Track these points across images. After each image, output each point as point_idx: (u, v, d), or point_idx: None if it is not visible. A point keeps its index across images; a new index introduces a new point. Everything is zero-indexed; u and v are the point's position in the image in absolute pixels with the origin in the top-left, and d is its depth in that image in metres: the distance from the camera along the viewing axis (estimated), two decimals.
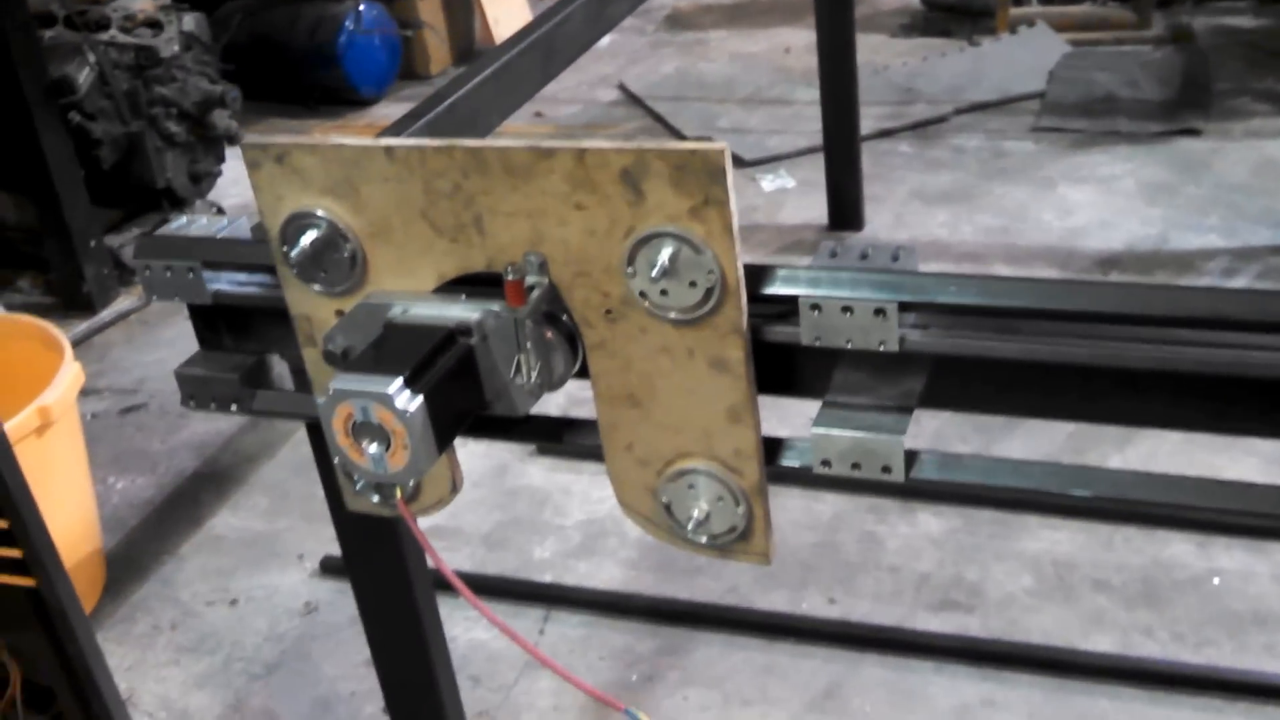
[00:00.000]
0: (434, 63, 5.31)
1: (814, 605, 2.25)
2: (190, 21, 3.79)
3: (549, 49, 1.97)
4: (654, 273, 0.99)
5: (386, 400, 0.97)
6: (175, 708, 2.20)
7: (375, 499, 1.19)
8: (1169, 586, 2.21)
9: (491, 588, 2.32)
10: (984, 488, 1.15)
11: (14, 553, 1.34)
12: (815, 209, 3.62)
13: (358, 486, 1.19)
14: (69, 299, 3.62)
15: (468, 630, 2.24)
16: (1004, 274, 3.25)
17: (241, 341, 1.35)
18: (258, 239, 1.32)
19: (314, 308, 1.14)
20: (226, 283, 1.29)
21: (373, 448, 0.99)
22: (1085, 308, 1.02)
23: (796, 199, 3.79)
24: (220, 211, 3.97)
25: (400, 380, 0.98)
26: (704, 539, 1.11)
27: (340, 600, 2.38)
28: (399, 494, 1.09)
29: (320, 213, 1.09)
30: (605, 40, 2.34)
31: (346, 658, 2.24)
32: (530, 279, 1.03)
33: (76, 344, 3.31)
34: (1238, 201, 3.48)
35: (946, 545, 2.36)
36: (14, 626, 1.38)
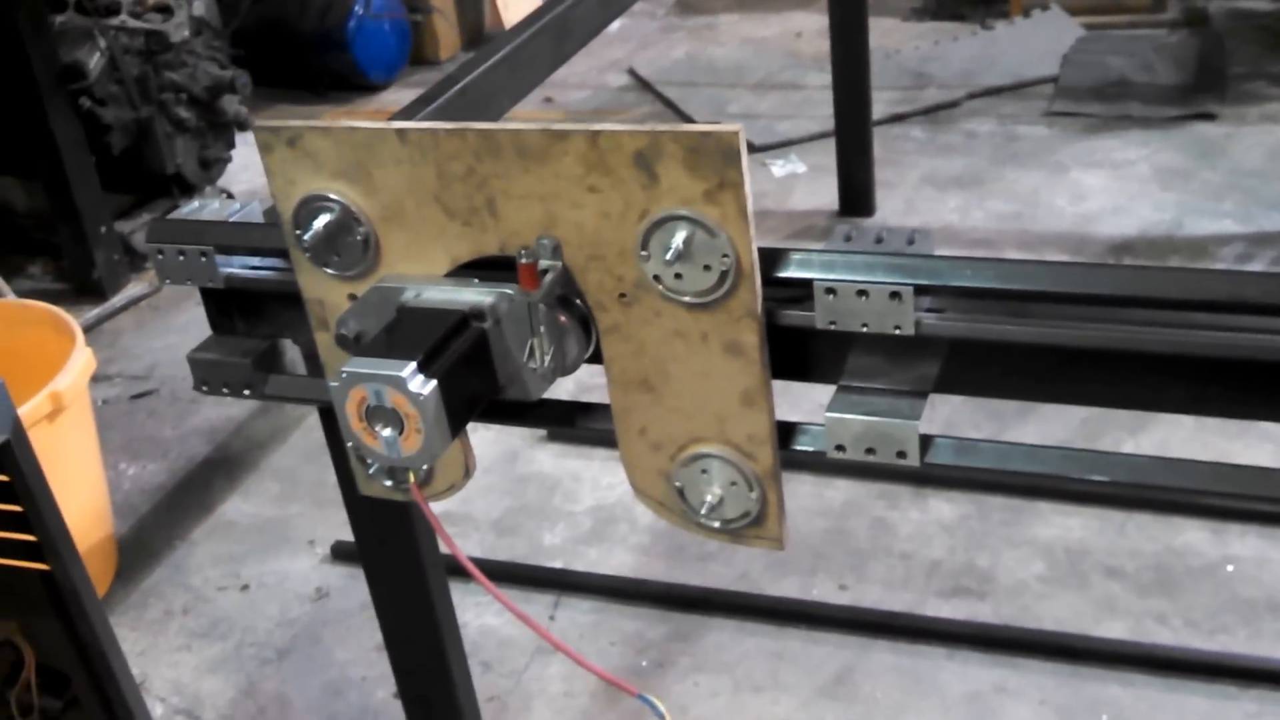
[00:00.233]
0: (444, 48, 5.29)
1: (825, 591, 2.24)
2: (200, 6, 3.78)
3: (561, 32, 1.96)
4: (668, 256, 0.98)
5: (400, 384, 0.97)
6: (187, 692, 2.21)
7: (388, 483, 1.18)
8: (1182, 573, 2.20)
9: (502, 573, 2.32)
10: (1000, 473, 1.14)
11: (28, 537, 1.34)
12: (826, 194, 3.61)
13: (371, 471, 1.19)
14: (80, 285, 3.63)
15: (478, 616, 2.24)
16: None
17: (254, 326, 1.35)
18: (270, 223, 1.32)
19: (327, 292, 1.14)
20: (239, 266, 1.29)
21: (386, 432, 0.99)
22: (1103, 291, 1.01)
23: (807, 184, 3.77)
24: (230, 197, 3.96)
25: (414, 364, 0.98)
26: (717, 524, 1.11)
27: (351, 585, 2.38)
28: (413, 478, 1.09)
29: (333, 196, 1.08)
30: (615, 25, 2.33)
31: (358, 643, 2.25)
32: (543, 263, 1.02)
33: (88, 330, 3.32)
34: (1253, 187, 3.45)
35: (958, 531, 2.35)
36: (28, 611, 1.38)
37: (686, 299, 1.01)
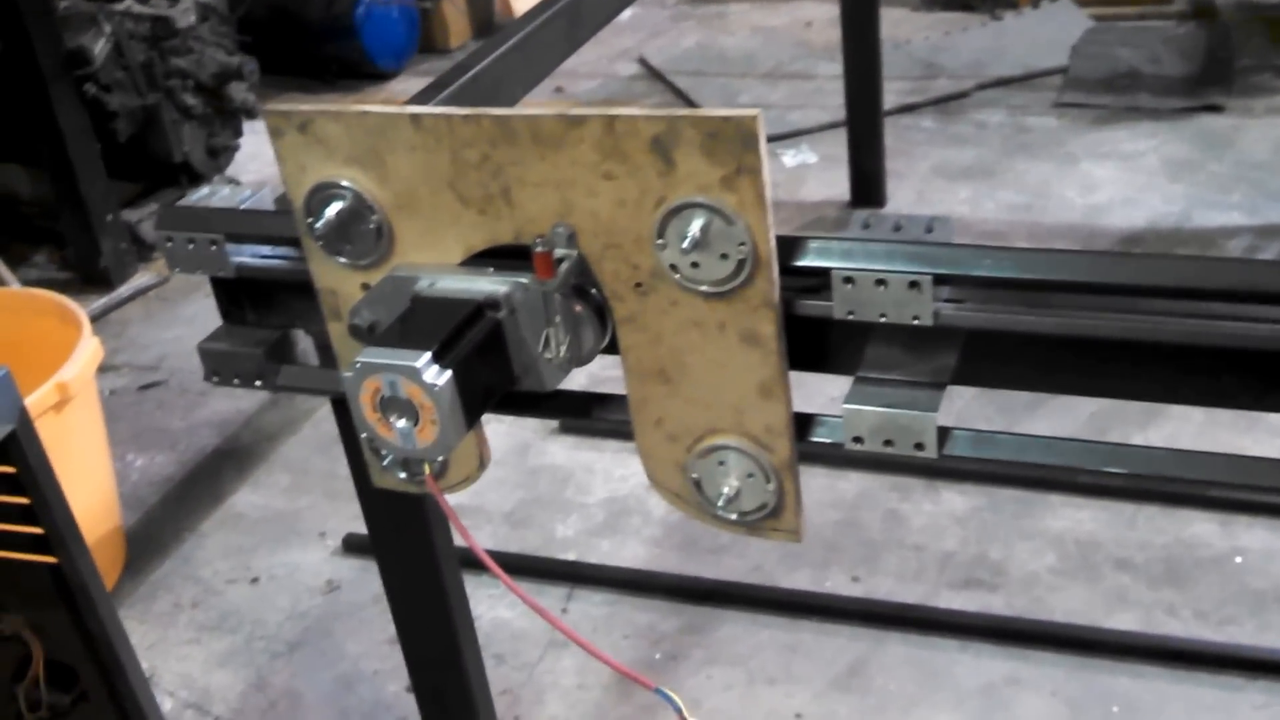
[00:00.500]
0: (453, 35, 5.27)
1: (838, 584, 2.23)
2: None
3: (573, 19, 1.94)
4: (685, 244, 0.97)
5: (414, 374, 0.96)
6: (197, 686, 2.20)
7: (402, 475, 1.17)
8: (1191, 565, 2.19)
9: (515, 566, 2.31)
10: (1017, 465, 1.13)
11: (35, 530, 1.33)
12: (837, 185, 3.59)
13: (385, 463, 1.18)
14: (86, 274, 3.61)
15: (491, 608, 2.23)
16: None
17: (265, 316, 1.34)
18: (281, 211, 1.31)
19: (339, 281, 1.13)
20: (250, 255, 1.28)
21: (401, 423, 0.98)
22: (1123, 281, 1.00)
23: (818, 174, 3.75)
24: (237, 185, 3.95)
25: (428, 354, 0.96)
26: (734, 516, 1.10)
27: (363, 578, 2.37)
28: (428, 470, 1.08)
29: (345, 183, 1.07)
30: (626, 14, 2.32)
31: (370, 636, 2.24)
32: (559, 251, 1.01)
33: (94, 320, 3.30)
34: (1260, 179, 3.43)
35: (970, 524, 2.34)
36: (36, 604, 1.37)
37: (703, 288, 1.00)
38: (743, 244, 0.96)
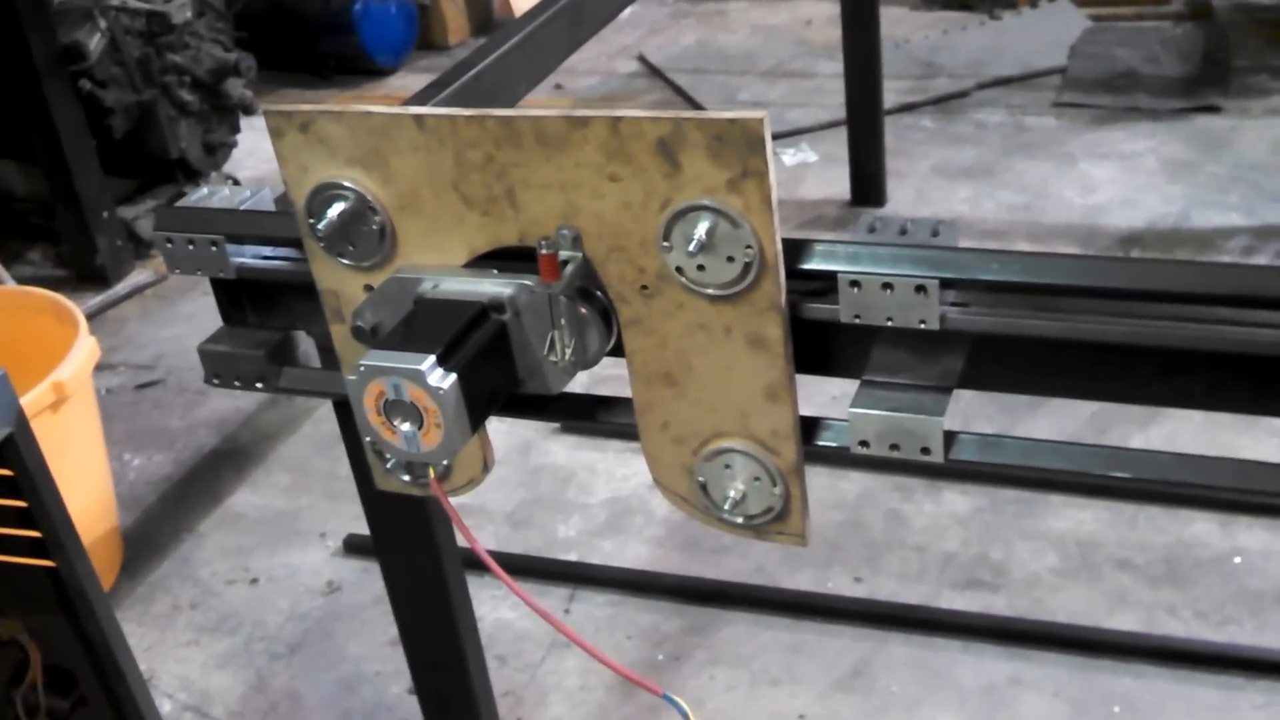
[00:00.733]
0: (452, 32, 5.25)
1: (840, 584, 2.23)
2: None
3: (575, 18, 1.93)
4: (691, 247, 0.96)
5: (419, 377, 0.95)
6: (196, 688, 2.19)
7: (406, 478, 1.17)
8: (1191, 565, 2.19)
9: (516, 567, 2.31)
10: (1024, 469, 1.12)
11: (33, 533, 1.32)
12: (837, 184, 3.58)
13: (388, 465, 1.17)
14: (81, 272, 3.59)
15: (494, 609, 2.23)
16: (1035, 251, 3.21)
17: (266, 317, 1.33)
18: (282, 211, 1.30)
19: (342, 282, 1.12)
20: (250, 256, 1.27)
21: (405, 426, 0.97)
22: (1131, 285, 1.00)
23: (818, 173, 3.75)
24: (236, 184, 3.92)
25: (433, 357, 0.96)
26: (740, 519, 1.09)
27: (364, 579, 2.37)
28: (432, 474, 1.07)
29: (347, 184, 1.06)
30: (625, 11, 2.30)
31: (371, 637, 2.23)
32: (564, 253, 1.00)
33: (90, 318, 3.29)
34: (1257, 180, 3.44)
35: (972, 524, 2.34)
36: (33, 609, 1.36)
37: (709, 291, 0.99)
38: (749, 247, 0.96)
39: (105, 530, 2.41)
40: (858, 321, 1.03)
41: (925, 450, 1.07)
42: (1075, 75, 4.13)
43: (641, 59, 4.81)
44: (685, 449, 1.09)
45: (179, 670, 2.23)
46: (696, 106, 4.32)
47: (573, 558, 2.37)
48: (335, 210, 1.07)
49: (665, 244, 0.98)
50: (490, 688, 1.61)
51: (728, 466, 1.07)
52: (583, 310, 1.03)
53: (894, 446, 1.07)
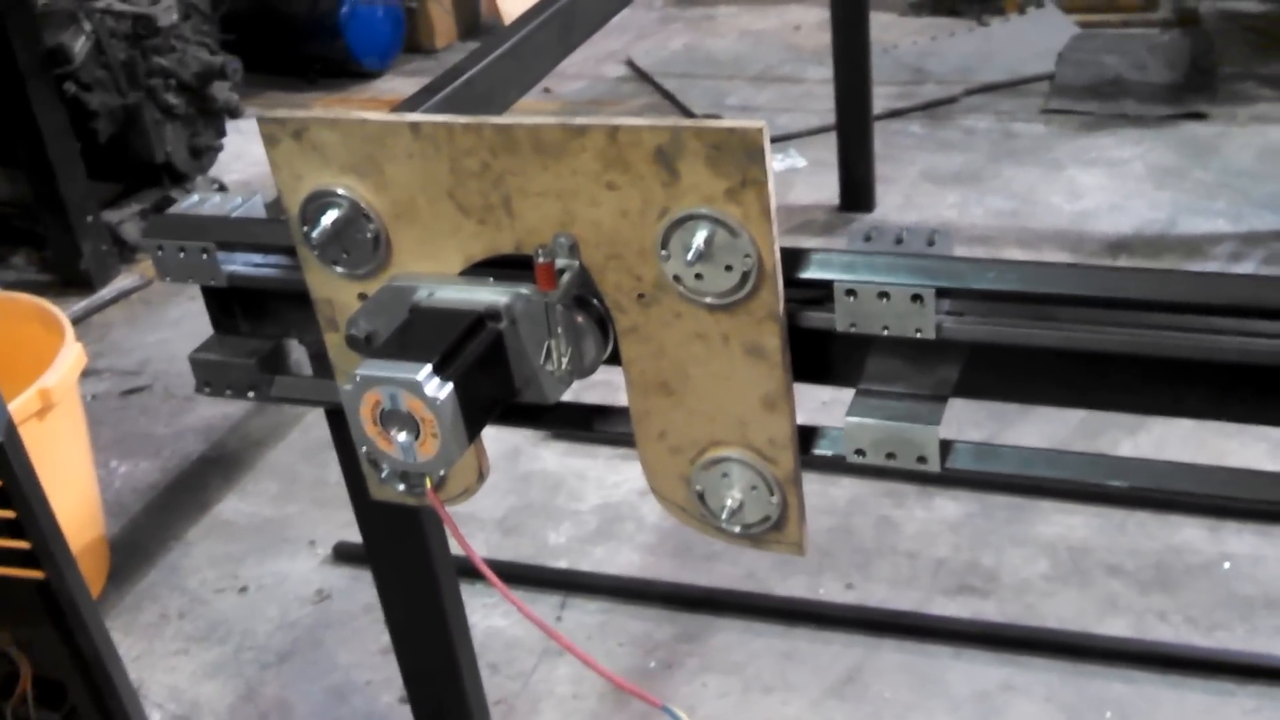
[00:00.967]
0: (439, 35, 5.24)
1: (832, 591, 2.23)
2: None
3: (566, 23, 1.93)
4: (689, 256, 0.96)
5: (415, 387, 0.94)
6: (185, 698, 2.18)
7: (401, 487, 1.16)
8: (1181, 571, 2.20)
9: (507, 574, 2.25)
10: (1021, 478, 1.12)
11: (21, 544, 1.31)
12: (826, 189, 3.59)
13: (383, 475, 1.16)
14: (66, 276, 3.57)
15: (485, 617, 2.22)
16: (1019, 258, 3.22)
17: (258, 325, 1.32)
18: (274, 218, 1.29)
19: (336, 291, 1.11)
20: (242, 264, 1.26)
21: (401, 436, 0.96)
22: (1127, 295, 1.00)
23: (807, 179, 3.75)
24: (222, 188, 3.92)
25: (429, 367, 0.95)
26: (737, 528, 1.09)
27: (354, 587, 2.35)
28: (430, 484, 1.06)
29: (341, 191, 1.06)
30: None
31: (361, 646, 2.22)
32: (560, 261, 1.00)
33: (75, 323, 3.26)
34: (1244, 186, 3.46)
35: (962, 530, 2.34)
36: (23, 621, 1.34)
37: (707, 300, 0.99)
38: (748, 256, 0.95)
39: (92, 539, 2.39)
40: (854, 330, 1.03)
41: (922, 459, 1.07)
42: (1063, 82, 4.15)
43: (630, 63, 4.81)
44: (682, 458, 1.08)
45: (168, 680, 2.22)
46: (685, 111, 4.32)
47: (564, 565, 2.36)
48: (329, 218, 1.06)
49: (663, 252, 0.97)
50: (484, 697, 1.61)
51: (725, 475, 1.07)
52: (579, 319, 1.02)
53: (890, 455, 1.07)
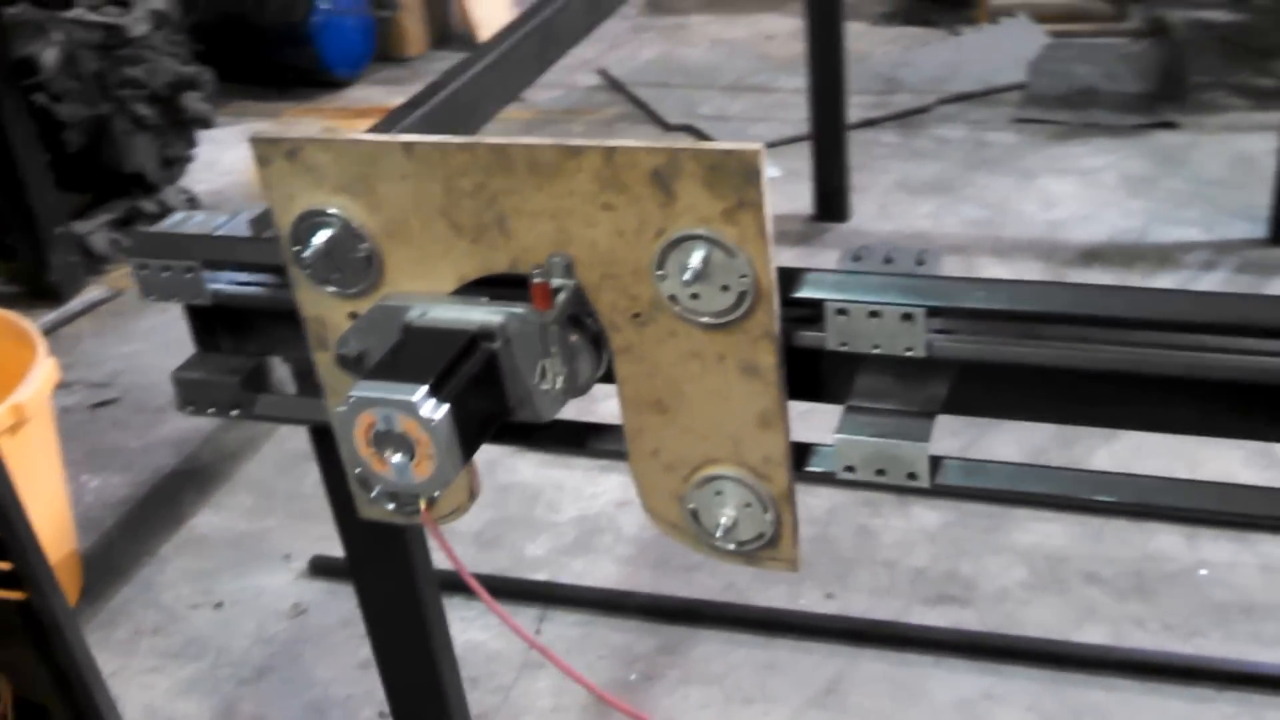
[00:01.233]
0: (411, 44, 5.22)
1: (812, 601, 2.23)
2: (160, 0, 3.69)
3: (545, 37, 1.93)
4: (686, 276, 0.96)
5: (411, 409, 0.94)
6: (161, 716, 2.15)
7: (390, 507, 1.15)
8: (1158, 578, 2.22)
9: (485, 587, 2.28)
10: (1010, 494, 1.13)
11: (2, 565, 1.29)
12: (800, 199, 3.60)
13: (373, 495, 1.15)
14: (34, 288, 3.52)
15: (463, 630, 2.20)
16: (994, 267, 3.25)
17: (241, 343, 1.30)
18: (258, 236, 1.28)
19: (327, 309, 1.10)
20: (226, 282, 1.25)
21: (396, 458, 0.95)
22: (1113, 313, 1.01)
23: (781, 188, 3.76)
24: (192, 198, 3.88)
25: (425, 388, 0.94)
26: (732, 546, 1.09)
27: (331, 601, 2.33)
28: (424, 505, 1.06)
29: (333, 211, 1.05)
30: None
31: (340, 660, 2.20)
32: (556, 281, 0.99)
33: (44, 335, 3.22)
34: (1216, 195, 3.51)
35: (940, 539, 2.36)
36: (3, 642, 1.32)
37: (703, 319, 0.99)
38: (744, 276, 0.95)
39: (64, 554, 2.36)
40: (845, 349, 1.03)
41: (912, 475, 1.07)
42: (1035, 91, 4.19)
43: (602, 73, 4.81)
44: (676, 476, 1.08)
45: (143, 697, 2.19)
46: (658, 120, 4.33)
47: (542, 577, 2.35)
48: (321, 237, 1.05)
49: (659, 272, 0.97)
50: (467, 711, 1.60)
51: (719, 493, 1.07)
52: (574, 337, 1.02)
53: (880, 472, 1.07)
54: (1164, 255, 3.26)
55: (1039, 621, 2.15)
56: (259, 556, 2.49)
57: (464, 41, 5.25)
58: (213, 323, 1.30)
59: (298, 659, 2.22)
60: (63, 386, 3.10)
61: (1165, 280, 3.13)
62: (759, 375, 1.01)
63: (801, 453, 1.11)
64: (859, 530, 2.39)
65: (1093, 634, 2.11)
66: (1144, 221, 3.42)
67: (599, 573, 2.35)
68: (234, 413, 1.29)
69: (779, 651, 2.13)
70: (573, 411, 1.09)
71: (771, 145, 4.03)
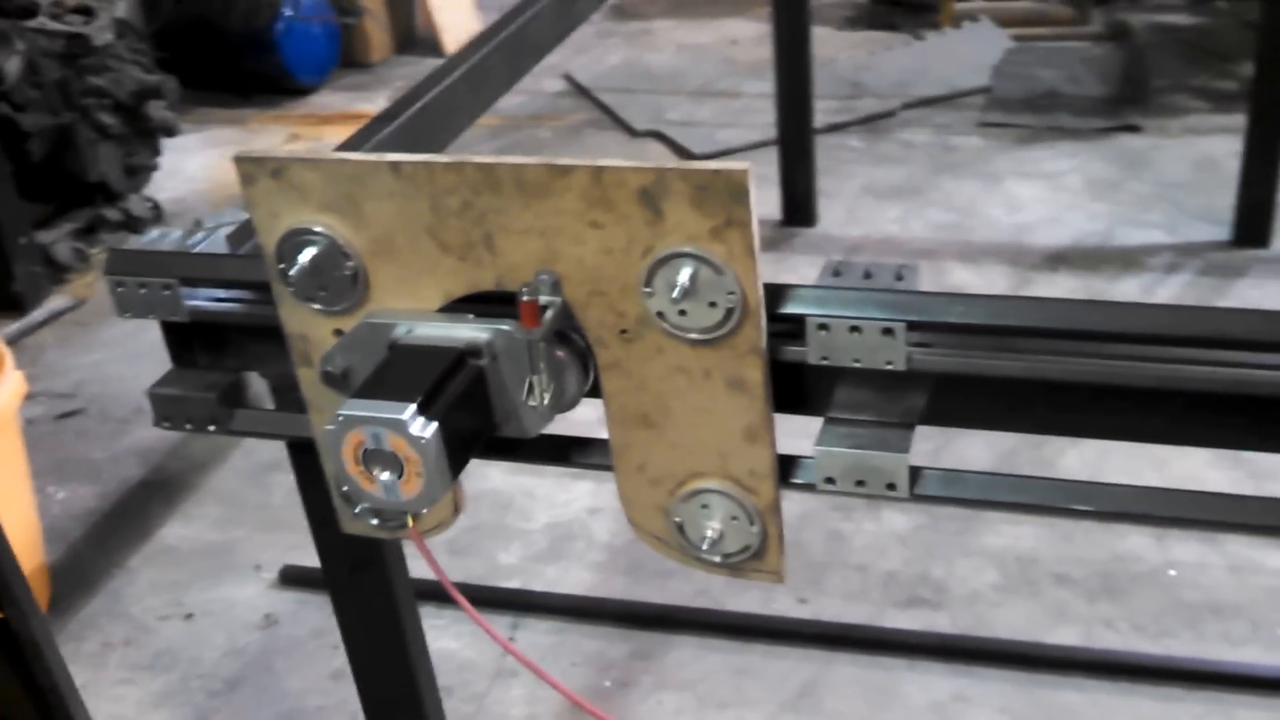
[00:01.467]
0: (375, 50, 5.20)
1: (785, 605, 2.25)
2: (123, 8, 3.65)
3: (516, 48, 1.93)
4: (674, 294, 0.96)
5: (400, 427, 0.94)
6: None
7: (375, 522, 1.15)
8: (1128, 579, 2.26)
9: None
10: (988, 504, 1.15)
11: None
12: (767, 204, 3.62)
13: (357, 510, 1.15)
14: None
15: (436, 639, 2.18)
16: (961, 271, 3.29)
17: (218, 359, 1.29)
18: (237, 253, 1.27)
19: (311, 326, 1.10)
20: (204, 299, 1.24)
21: (385, 476, 0.96)
22: (1088, 326, 1.03)
23: None
24: (156, 206, 3.84)
25: (414, 406, 0.94)
26: (718, 558, 1.10)
27: (302, 612, 2.32)
28: (411, 522, 1.06)
29: (319, 229, 1.05)
30: None
31: (312, 670, 2.18)
32: (543, 298, 1.00)
33: (8, 345, 3.18)
34: (1179, 198, 3.56)
35: (911, 542, 2.38)
36: None
37: (691, 335, 0.99)
38: (731, 293, 0.96)
39: (32, 567, 2.32)
40: (825, 363, 1.05)
41: (891, 486, 1.08)
42: (999, 95, 4.24)
43: (568, 78, 4.81)
44: (662, 490, 1.09)
45: (114, 710, 2.16)
46: (624, 125, 4.33)
47: (515, 585, 2.35)
48: (307, 255, 1.04)
49: (647, 290, 0.98)
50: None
51: (705, 506, 1.08)
52: (560, 354, 1.03)
53: (860, 483, 1.09)
54: (1129, 258, 3.31)
55: (1010, 623, 2.18)
56: (229, 567, 2.47)
57: (428, 47, 5.23)
58: (189, 339, 1.29)
59: (269, 670, 2.21)
60: (28, 397, 3.05)
61: (1130, 282, 3.18)
62: (746, 390, 1.02)
63: (787, 465, 1.12)
64: (831, 535, 2.41)
65: (1064, 635, 2.14)
66: (1108, 224, 3.47)
67: (572, 579, 2.35)
68: (211, 428, 1.28)
69: (753, 656, 2.15)
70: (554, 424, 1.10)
71: (738, 151, 4.05)
